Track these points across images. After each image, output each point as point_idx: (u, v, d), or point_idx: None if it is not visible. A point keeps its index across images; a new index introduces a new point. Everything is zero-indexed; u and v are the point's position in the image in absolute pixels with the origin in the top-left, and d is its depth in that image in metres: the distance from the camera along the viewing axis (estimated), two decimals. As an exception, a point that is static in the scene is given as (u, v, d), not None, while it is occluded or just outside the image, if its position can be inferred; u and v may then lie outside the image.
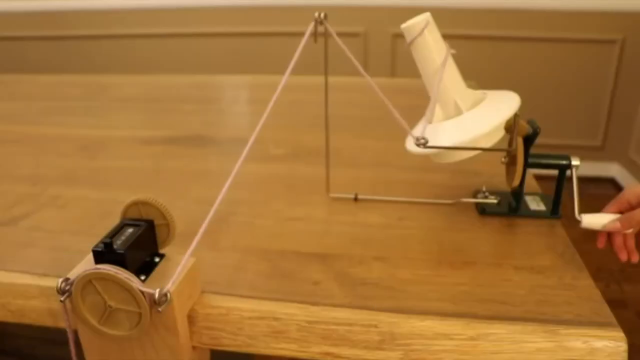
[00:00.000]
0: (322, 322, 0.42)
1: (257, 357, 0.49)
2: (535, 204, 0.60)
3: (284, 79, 0.44)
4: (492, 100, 0.50)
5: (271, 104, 0.43)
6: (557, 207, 0.57)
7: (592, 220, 0.52)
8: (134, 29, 2.28)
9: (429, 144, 0.45)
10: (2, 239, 0.55)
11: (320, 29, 0.49)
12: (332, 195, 0.62)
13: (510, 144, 0.49)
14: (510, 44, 2.10)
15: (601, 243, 0.54)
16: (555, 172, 0.57)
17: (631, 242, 0.54)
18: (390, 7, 2.08)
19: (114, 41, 2.32)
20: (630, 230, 0.52)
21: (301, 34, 0.47)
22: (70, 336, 0.40)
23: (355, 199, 0.62)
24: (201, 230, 0.39)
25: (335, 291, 0.45)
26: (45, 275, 0.48)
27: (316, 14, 0.49)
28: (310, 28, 0.48)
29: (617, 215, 0.52)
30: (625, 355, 0.39)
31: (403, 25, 0.49)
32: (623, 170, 2.18)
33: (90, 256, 0.40)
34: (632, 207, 0.52)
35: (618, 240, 0.53)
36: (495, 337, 0.40)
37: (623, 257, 0.53)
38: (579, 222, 0.53)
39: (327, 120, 0.57)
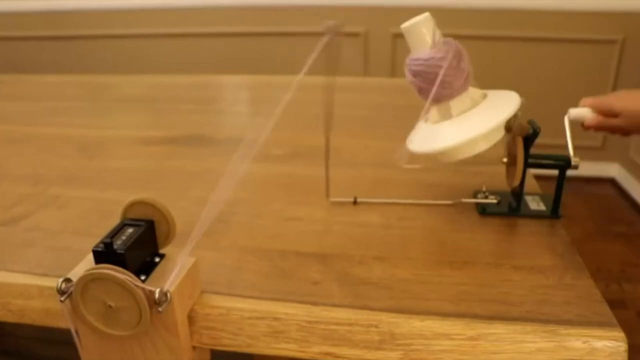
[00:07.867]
0: (322, 322, 0.42)
1: (257, 357, 0.49)
2: (535, 204, 0.60)
3: (294, 85, 0.44)
4: (492, 100, 0.50)
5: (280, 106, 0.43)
6: (557, 207, 0.57)
7: (578, 113, 0.64)
8: (134, 29, 2.28)
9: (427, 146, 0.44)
10: (2, 239, 0.55)
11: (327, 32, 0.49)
12: (332, 199, 0.62)
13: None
14: (510, 44, 2.10)
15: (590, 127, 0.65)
16: (555, 172, 0.57)
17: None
18: (390, 7, 2.08)
19: (114, 41, 2.32)
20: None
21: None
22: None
23: (355, 203, 0.61)
24: (197, 229, 0.38)
25: (335, 291, 0.45)
26: (45, 275, 0.48)
27: (326, 24, 0.48)
28: (323, 40, 0.47)
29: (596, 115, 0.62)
30: (625, 355, 0.39)
31: (403, 25, 0.49)
32: (623, 170, 2.18)
33: (90, 256, 0.40)
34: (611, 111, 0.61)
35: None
36: (495, 337, 0.40)
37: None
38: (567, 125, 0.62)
39: (328, 124, 0.57)
